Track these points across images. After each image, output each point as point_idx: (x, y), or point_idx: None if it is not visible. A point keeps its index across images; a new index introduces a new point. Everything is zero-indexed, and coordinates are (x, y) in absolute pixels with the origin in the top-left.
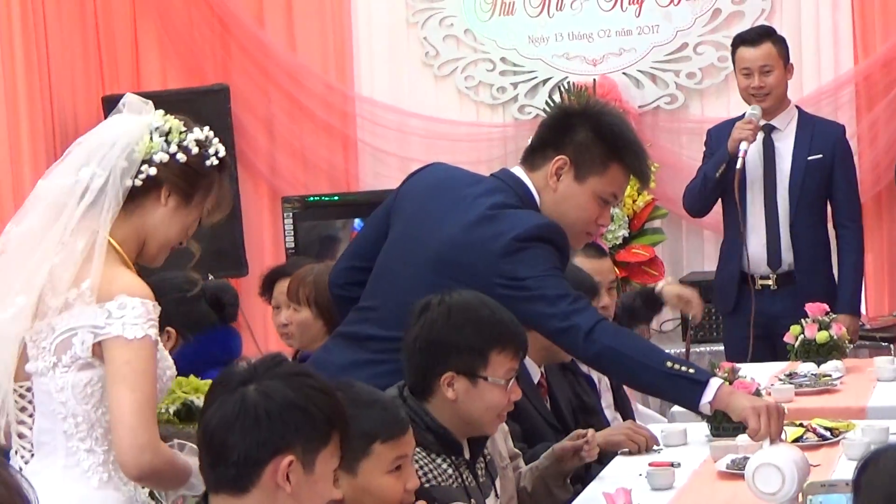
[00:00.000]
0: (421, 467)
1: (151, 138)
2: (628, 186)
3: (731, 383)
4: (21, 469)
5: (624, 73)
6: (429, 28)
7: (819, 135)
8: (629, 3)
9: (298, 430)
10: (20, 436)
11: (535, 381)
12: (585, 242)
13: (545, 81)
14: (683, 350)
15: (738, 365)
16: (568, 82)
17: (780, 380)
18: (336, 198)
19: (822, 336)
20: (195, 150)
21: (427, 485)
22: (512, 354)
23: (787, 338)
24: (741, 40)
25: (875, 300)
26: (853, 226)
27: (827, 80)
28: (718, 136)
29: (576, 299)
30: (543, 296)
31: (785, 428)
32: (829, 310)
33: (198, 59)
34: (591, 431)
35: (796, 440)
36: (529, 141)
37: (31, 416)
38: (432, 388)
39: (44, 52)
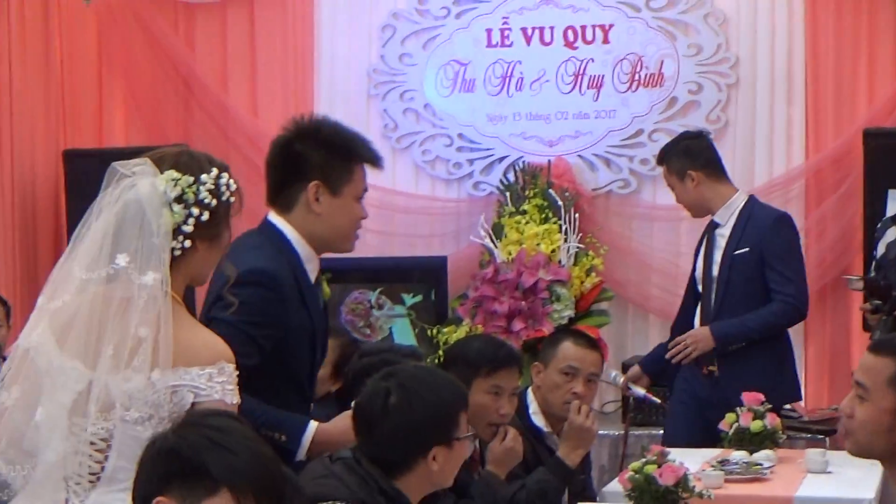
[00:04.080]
0: None
1: (172, 210)
2: (576, 268)
3: (659, 466)
4: (76, 494)
5: (579, 156)
6: (389, 101)
7: (752, 226)
8: (588, 87)
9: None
10: (85, 465)
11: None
12: (354, 241)
13: (501, 159)
14: (623, 432)
15: (667, 449)
16: (523, 161)
17: (712, 466)
18: None
19: (756, 425)
20: (213, 201)
21: None
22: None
23: (722, 425)
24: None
25: (815, 393)
26: (781, 297)
27: (779, 173)
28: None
29: None
30: None
31: None
32: (764, 399)
33: (160, 118)
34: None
35: None
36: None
37: (101, 451)
38: (412, 465)
39: (6, 103)
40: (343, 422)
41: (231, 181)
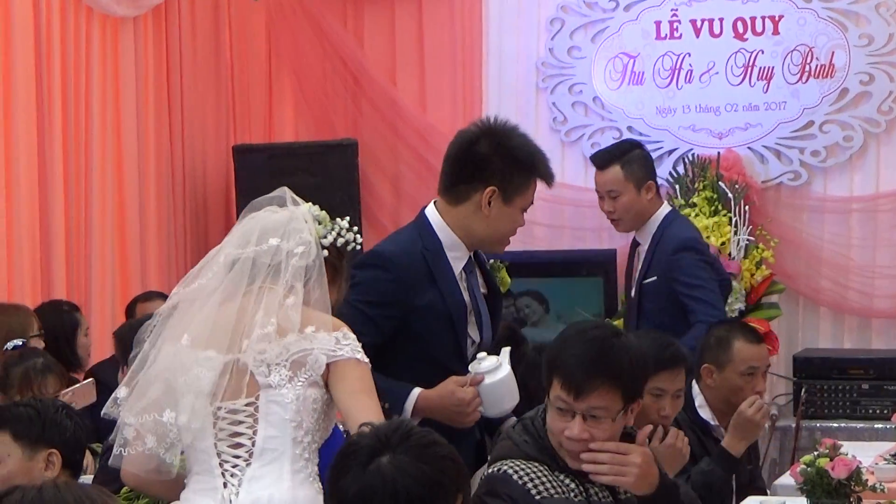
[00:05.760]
0: (543, 482)
1: (317, 223)
2: (746, 261)
3: (831, 460)
4: (233, 476)
5: (749, 148)
6: (558, 94)
7: (659, 252)
8: (757, 79)
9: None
10: (236, 446)
11: None
12: (506, 245)
13: (671, 152)
14: (794, 425)
15: (839, 442)
16: (693, 154)
17: (885, 460)
18: None
19: None
20: (349, 235)
21: (538, 496)
22: (559, 383)
23: (895, 419)
24: (593, 162)
25: None
26: (697, 318)
27: None
28: None
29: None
30: None
31: None
32: None
33: (329, 113)
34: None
35: None
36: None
37: (249, 427)
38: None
39: (178, 99)
40: (445, 387)
41: (359, 238)
